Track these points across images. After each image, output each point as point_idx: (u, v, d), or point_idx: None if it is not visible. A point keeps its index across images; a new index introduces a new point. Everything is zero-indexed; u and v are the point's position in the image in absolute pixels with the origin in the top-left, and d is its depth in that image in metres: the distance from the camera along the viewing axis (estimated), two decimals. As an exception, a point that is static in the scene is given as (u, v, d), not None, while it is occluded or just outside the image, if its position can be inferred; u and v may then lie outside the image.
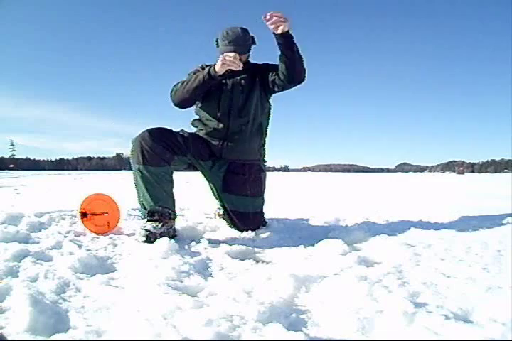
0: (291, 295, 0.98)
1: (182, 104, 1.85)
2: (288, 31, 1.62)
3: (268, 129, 2.02)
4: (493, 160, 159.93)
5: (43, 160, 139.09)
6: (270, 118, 2.03)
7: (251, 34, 1.84)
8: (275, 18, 1.57)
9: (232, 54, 1.66)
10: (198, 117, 1.97)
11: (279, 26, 1.59)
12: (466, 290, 0.97)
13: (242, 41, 1.79)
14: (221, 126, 1.86)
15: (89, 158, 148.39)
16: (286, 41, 1.64)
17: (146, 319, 0.78)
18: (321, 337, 0.77)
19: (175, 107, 1.87)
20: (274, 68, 1.82)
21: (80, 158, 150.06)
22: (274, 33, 1.62)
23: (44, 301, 0.85)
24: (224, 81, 1.85)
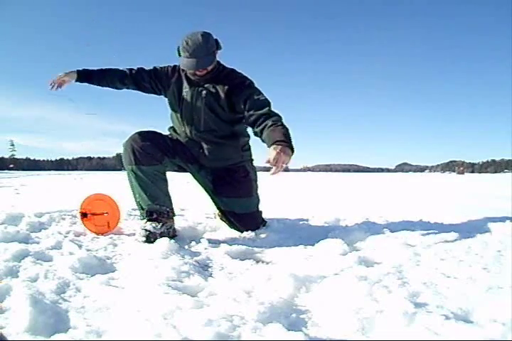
0: (291, 295, 0.98)
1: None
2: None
3: (249, 130, 1.89)
4: (493, 160, 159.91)
5: (43, 160, 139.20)
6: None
7: (214, 37, 1.67)
8: (279, 169, 1.44)
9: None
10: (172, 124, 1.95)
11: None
12: (466, 290, 0.97)
13: (204, 52, 1.62)
14: (188, 136, 1.83)
15: (89, 158, 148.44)
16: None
17: (146, 319, 0.78)
18: (321, 337, 0.77)
19: None
20: (246, 102, 1.66)
21: (80, 158, 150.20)
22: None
23: (44, 301, 0.85)
24: (186, 90, 1.77)
